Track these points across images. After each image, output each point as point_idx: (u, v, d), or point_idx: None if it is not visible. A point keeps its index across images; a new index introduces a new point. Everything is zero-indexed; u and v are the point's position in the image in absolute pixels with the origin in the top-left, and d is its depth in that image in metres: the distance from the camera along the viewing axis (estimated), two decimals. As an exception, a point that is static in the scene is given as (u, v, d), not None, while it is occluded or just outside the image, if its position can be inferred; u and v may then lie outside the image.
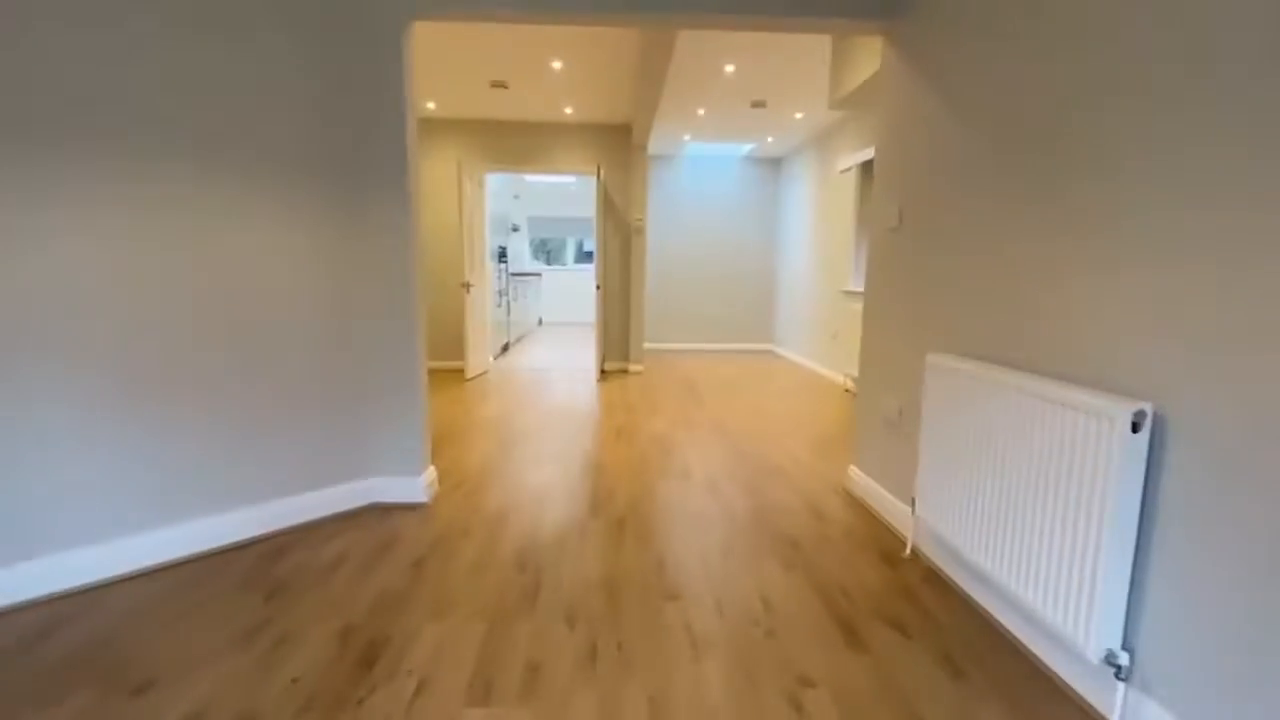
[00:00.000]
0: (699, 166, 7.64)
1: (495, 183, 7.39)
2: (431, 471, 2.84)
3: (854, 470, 2.91)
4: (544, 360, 6.92)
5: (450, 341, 6.17)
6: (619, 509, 2.68)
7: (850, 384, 5.38)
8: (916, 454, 2.34)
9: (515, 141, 5.98)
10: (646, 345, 7.90)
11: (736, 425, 4.15)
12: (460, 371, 5.96)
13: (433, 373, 5.94)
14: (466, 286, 5.55)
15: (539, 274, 11.46)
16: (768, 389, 5.44)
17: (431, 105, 5.42)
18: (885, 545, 2.37)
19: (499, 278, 7.27)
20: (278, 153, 2.30)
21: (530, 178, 9.50)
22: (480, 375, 5.91)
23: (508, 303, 7.75)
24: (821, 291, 6.19)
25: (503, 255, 7.40)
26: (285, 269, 2.36)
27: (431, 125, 5.90)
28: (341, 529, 2.47)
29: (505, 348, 7.74)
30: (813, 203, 6.49)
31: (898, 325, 2.51)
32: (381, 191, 2.56)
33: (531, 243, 12.05)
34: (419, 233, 2.79)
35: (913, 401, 2.39)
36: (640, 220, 5.96)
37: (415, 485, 2.71)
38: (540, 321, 11.52)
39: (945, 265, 2.16)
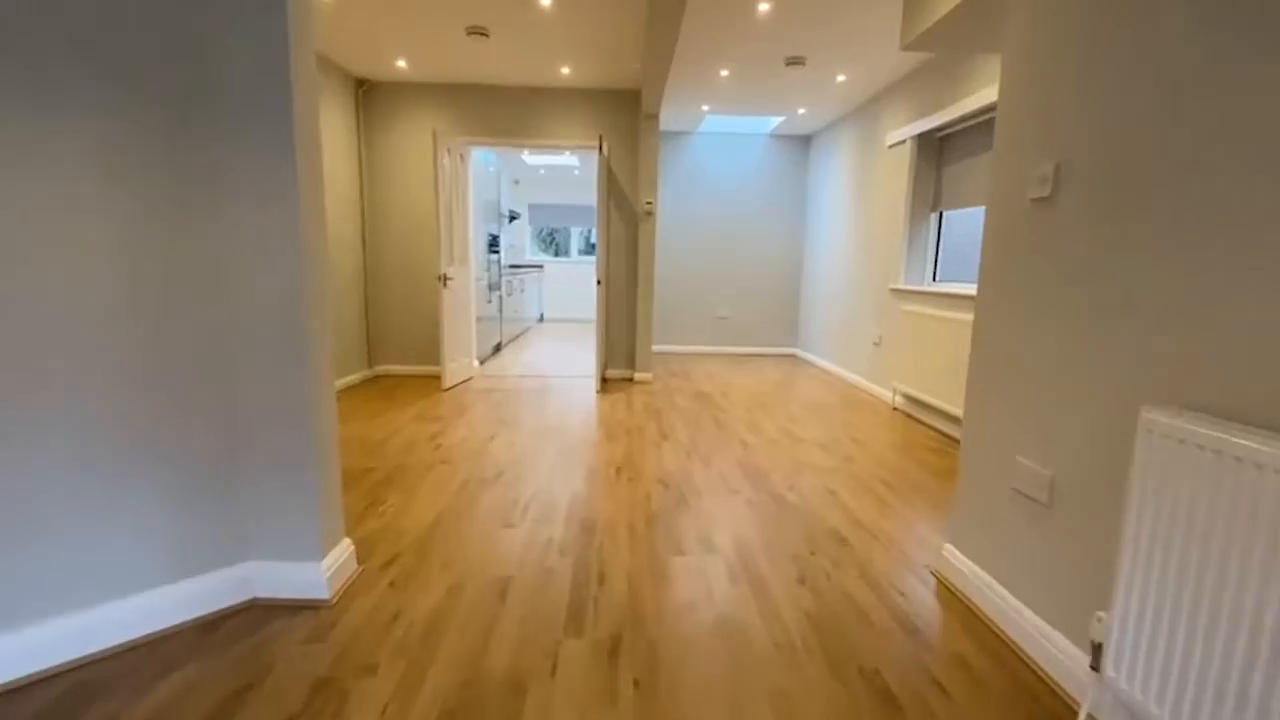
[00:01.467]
0: (717, 145, 6.72)
1: (490, 164, 6.51)
2: (343, 549, 1.97)
3: (951, 552, 2.02)
4: (540, 363, 6.06)
5: (427, 344, 5.32)
6: (613, 619, 1.81)
7: (901, 402, 4.47)
8: (1092, 561, 1.45)
9: (504, 109, 5.09)
10: (655, 348, 7.02)
11: (768, 459, 3.27)
12: (437, 379, 5.12)
13: (405, 380, 5.09)
14: (443, 280, 4.69)
15: (541, 266, 10.60)
16: (799, 406, 4.55)
17: (402, 64, 4.55)
18: (1037, 710, 1.49)
19: (490, 270, 6.41)
20: (50, 50, 1.42)
21: (530, 158, 8.62)
22: (462, 384, 5.06)
23: (500, 298, 6.89)
24: (862, 289, 5.27)
25: (494, 245, 6.53)
26: (76, 252, 1.49)
27: (403, 90, 5.03)
28: (190, 651, 1.62)
29: (497, 348, 6.89)
30: (852, 185, 5.57)
31: (1051, 349, 1.61)
32: (245, 138, 1.68)
33: (540, 233, 11.17)
34: (326, 209, 1.91)
35: (1080, 472, 1.50)
36: (650, 204, 5.07)
37: (311, 575, 1.85)
38: (542, 318, 10.67)
39: (1171, 258, 1.26)
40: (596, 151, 4.73)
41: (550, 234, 11.27)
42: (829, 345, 6.04)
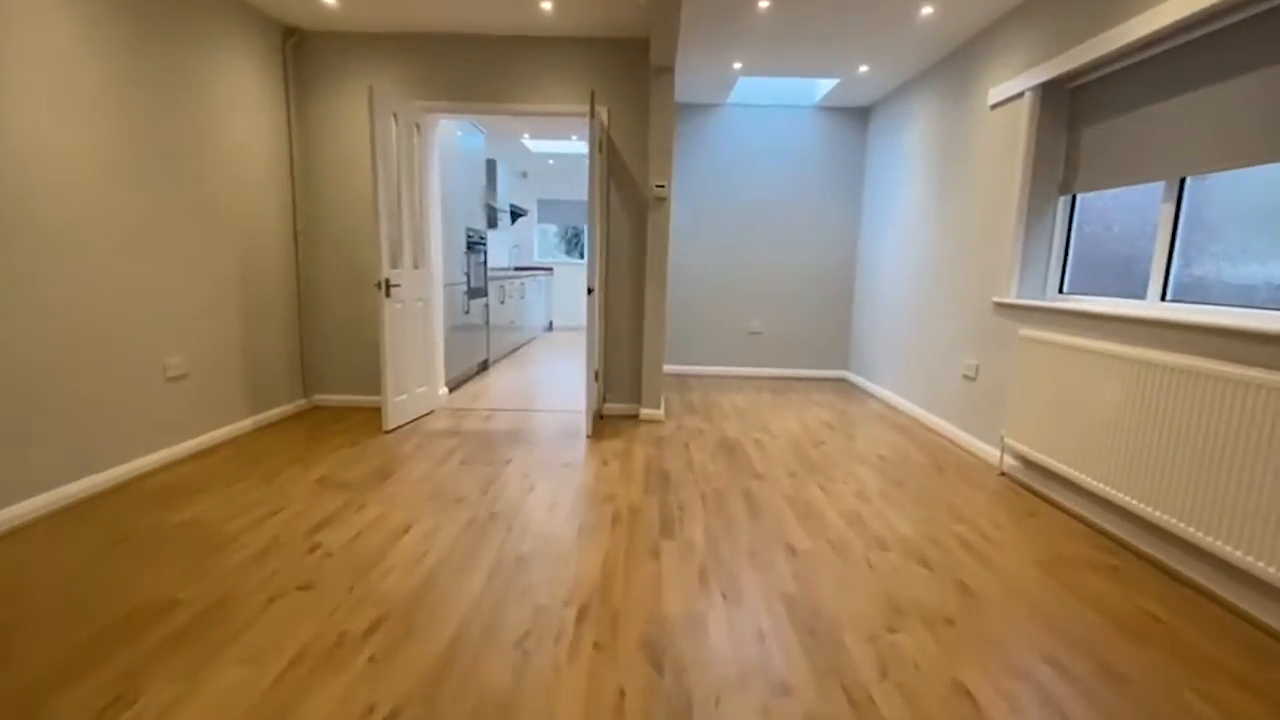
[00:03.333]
0: (751, 120, 5.43)
1: (475, 146, 5.35)
2: None
3: None
4: (528, 389, 4.87)
5: (377, 367, 4.16)
6: None
7: (1014, 465, 3.13)
8: None
9: (472, 65, 3.91)
10: (669, 368, 5.76)
11: (835, 589, 1.99)
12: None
13: (344, 414, 3.94)
14: (384, 286, 3.52)
15: (550, 269, 9.46)
16: (867, 467, 3.24)
17: (332, 2, 3.39)
18: None
19: (471, 274, 5.24)
20: None
21: (534, 145, 7.46)
22: (413, 422, 3.89)
23: (487, 307, 5.72)
24: (948, 302, 3.94)
25: (474, 244, 5.36)
26: None
27: (345, 42, 3.89)
28: None
29: (484, 366, 5.73)
30: (931, 164, 4.23)
31: None
32: None
33: (565, 233, 10.00)
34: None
35: None
36: (662, 188, 3.82)
37: None
38: (550, 326, 9.52)
39: None
40: (588, 116, 3.53)
41: (575, 234, 10.08)
42: (896, 372, 4.70)
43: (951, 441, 3.73)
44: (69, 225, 2.48)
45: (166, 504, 2.52)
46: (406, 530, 2.35)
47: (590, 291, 3.57)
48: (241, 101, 3.48)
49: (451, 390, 4.76)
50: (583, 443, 3.55)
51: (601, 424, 3.98)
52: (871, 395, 5.03)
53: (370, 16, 3.63)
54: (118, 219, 2.71)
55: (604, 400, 4.21)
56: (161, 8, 2.91)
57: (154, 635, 1.67)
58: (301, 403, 4.13)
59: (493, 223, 6.97)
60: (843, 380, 5.67)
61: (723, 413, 4.34)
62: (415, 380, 3.95)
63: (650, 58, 3.66)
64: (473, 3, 3.39)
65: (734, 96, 5.30)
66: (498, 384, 5.15)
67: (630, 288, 4.09)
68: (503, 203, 7.32)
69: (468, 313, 5.14)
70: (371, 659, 1.59)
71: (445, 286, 4.55)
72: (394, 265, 3.69)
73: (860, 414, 4.41)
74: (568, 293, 9.56)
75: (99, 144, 2.60)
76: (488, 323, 5.76)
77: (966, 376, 3.63)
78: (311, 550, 2.17)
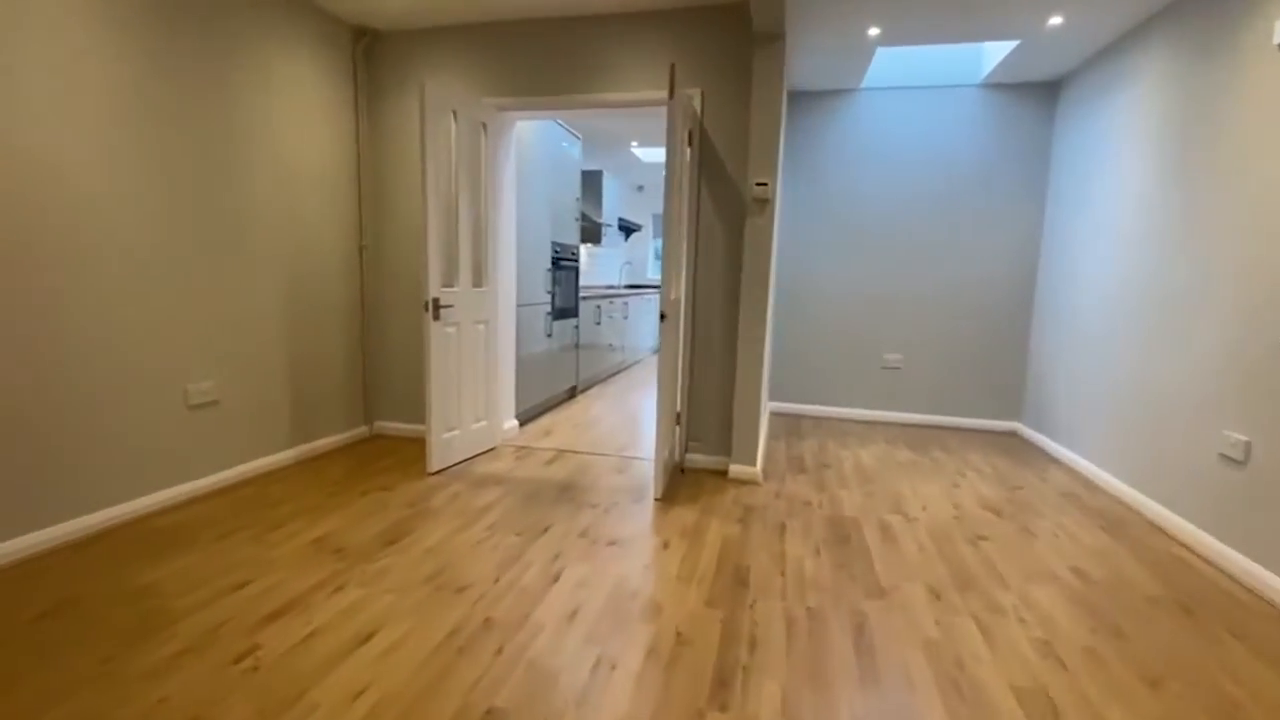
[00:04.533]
0: (890, 108, 4.40)
1: (569, 151, 4.88)
2: None
3: None
4: (610, 422, 4.22)
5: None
6: None
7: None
8: None
9: (543, 53, 3.37)
10: (777, 406, 4.82)
11: None
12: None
13: (400, 446, 3.53)
14: (431, 307, 3.06)
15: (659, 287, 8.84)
16: (1053, 585, 2.14)
17: (386, -15, 3.03)
18: None
19: (556, 293, 4.74)
20: None
21: (645, 154, 6.91)
22: (463, 464, 3.38)
23: (576, 329, 5.19)
24: (1193, 341, 2.68)
25: (562, 260, 4.86)
26: None
27: (416, 41, 3.53)
28: None
29: (571, 393, 5.20)
30: (1167, 144, 2.98)
31: None
32: None
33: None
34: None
35: None
36: (764, 187, 3.00)
37: None
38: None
39: None
40: (670, 96, 2.81)
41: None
42: (1097, 433, 3.41)
43: (1200, 556, 2.47)
44: (89, 243, 2.23)
45: (142, 557, 2.16)
46: (368, 638, 1.75)
47: (663, 317, 2.83)
48: (304, 111, 3.23)
49: (524, 423, 4.24)
50: (648, 508, 2.80)
51: (679, 482, 3.20)
52: (1055, 460, 3.74)
53: (436, 7, 3.23)
54: (142, 236, 2.46)
55: (686, 450, 3.43)
56: (220, 16, 2.67)
57: (-51, 801, 1.19)
58: (362, 430, 3.81)
59: (594, 238, 6.49)
60: (1012, 435, 4.37)
61: (841, 475, 3.36)
62: (472, 414, 3.45)
63: (754, 25, 2.87)
64: (538, -27, 2.85)
65: (870, 79, 4.31)
66: (579, 416, 4.56)
67: (723, 310, 3.29)
68: (609, 216, 6.83)
69: (550, 335, 4.62)
70: None
71: (521, 307, 4.05)
72: (447, 283, 3.22)
73: (1040, 490, 3.20)
74: (681, 313, 8.87)
75: (142, 157, 2.36)
76: (577, 346, 5.23)
77: (1229, 458, 2.37)
78: (241, 658, 1.64)
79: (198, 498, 2.74)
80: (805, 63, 3.89)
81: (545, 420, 4.42)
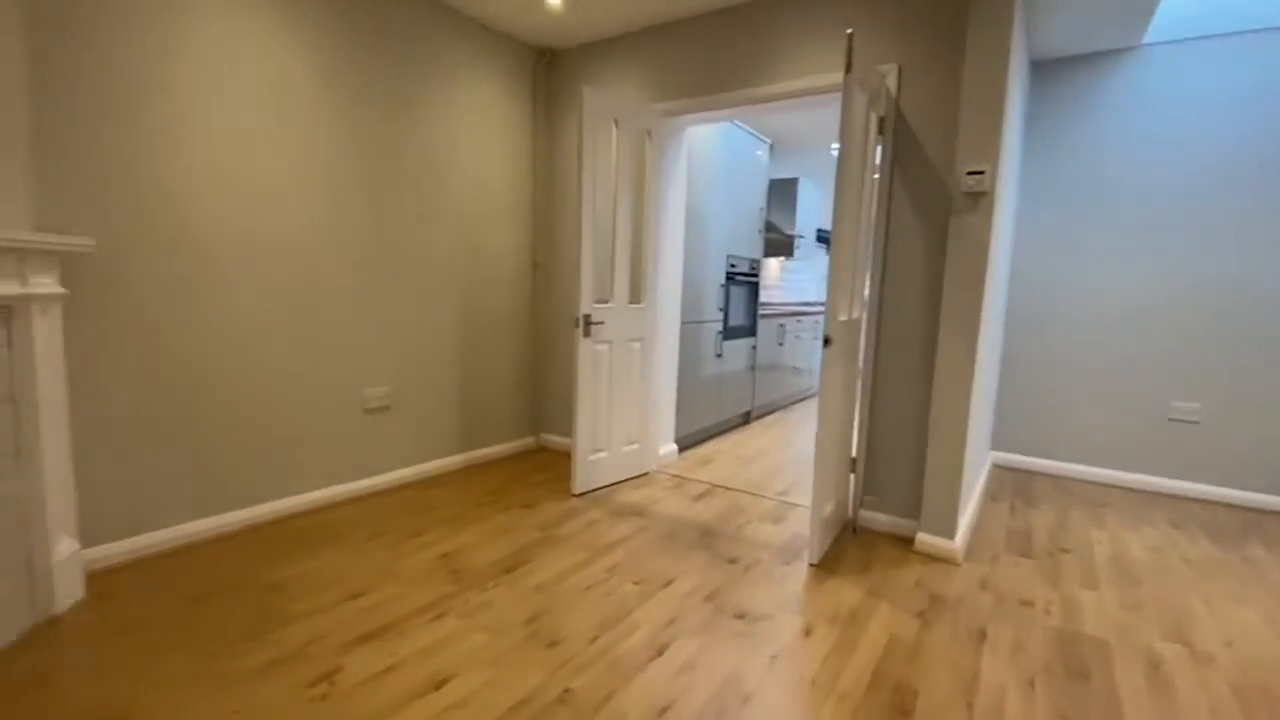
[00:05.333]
0: (1182, 66, 3.20)
1: (756, 154, 4.52)
2: None
3: None
4: (780, 456, 3.72)
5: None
6: None
7: None
8: None
9: (714, 49, 3.06)
10: (1002, 458, 3.80)
11: None
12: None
13: (563, 459, 3.48)
14: (582, 324, 2.94)
15: (868, 304, 7.88)
16: None
17: (556, 3, 2.99)
18: None
19: (732, 310, 4.38)
20: None
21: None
22: (619, 484, 3.19)
23: (753, 350, 4.76)
24: None
25: (739, 275, 4.47)
26: None
27: (592, 54, 3.49)
28: None
29: (745, 419, 4.79)
30: None
31: None
32: None
33: None
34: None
35: None
36: (980, 174, 2.29)
37: None
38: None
39: None
40: (846, 70, 2.29)
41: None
42: None
43: None
44: (272, 252, 2.52)
45: (290, 552, 2.32)
46: (440, 685, 1.59)
47: (827, 343, 2.30)
48: (486, 131, 3.37)
49: (685, 448, 3.94)
50: (798, 575, 2.29)
51: (847, 545, 2.61)
52: None
53: (610, 17, 3.13)
54: (334, 249, 2.72)
55: (856, 504, 2.81)
56: (412, 45, 2.90)
57: (38, 779, 1.26)
58: (528, 440, 3.87)
59: (784, 250, 5.97)
60: None
61: (1088, 568, 2.44)
62: (623, 436, 3.26)
63: (972, -32, 2.22)
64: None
65: (1154, 32, 3.21)
66: (746, 446, 4.12)
67: (919, 331, 2.62)
68: (804, 227, 6.25)
69: (720, 355, 4.27)
70: None
71: (687, 324, 3.78)
72: (600, 299, 3.08)
73: None
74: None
75: (337, 178, 2.64)
76: (753, 368, 4.79)
77: None
78: (318, 681, 1.59)
79: (363, 495, 2.95)
80: (1056, 22, 3.01)
81: (708, 447, 4.06)
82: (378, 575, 2.17)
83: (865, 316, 2.74)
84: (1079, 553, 2.57)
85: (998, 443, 3.84)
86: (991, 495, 3.27)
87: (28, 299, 1.69)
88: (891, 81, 2.59)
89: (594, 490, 3.15)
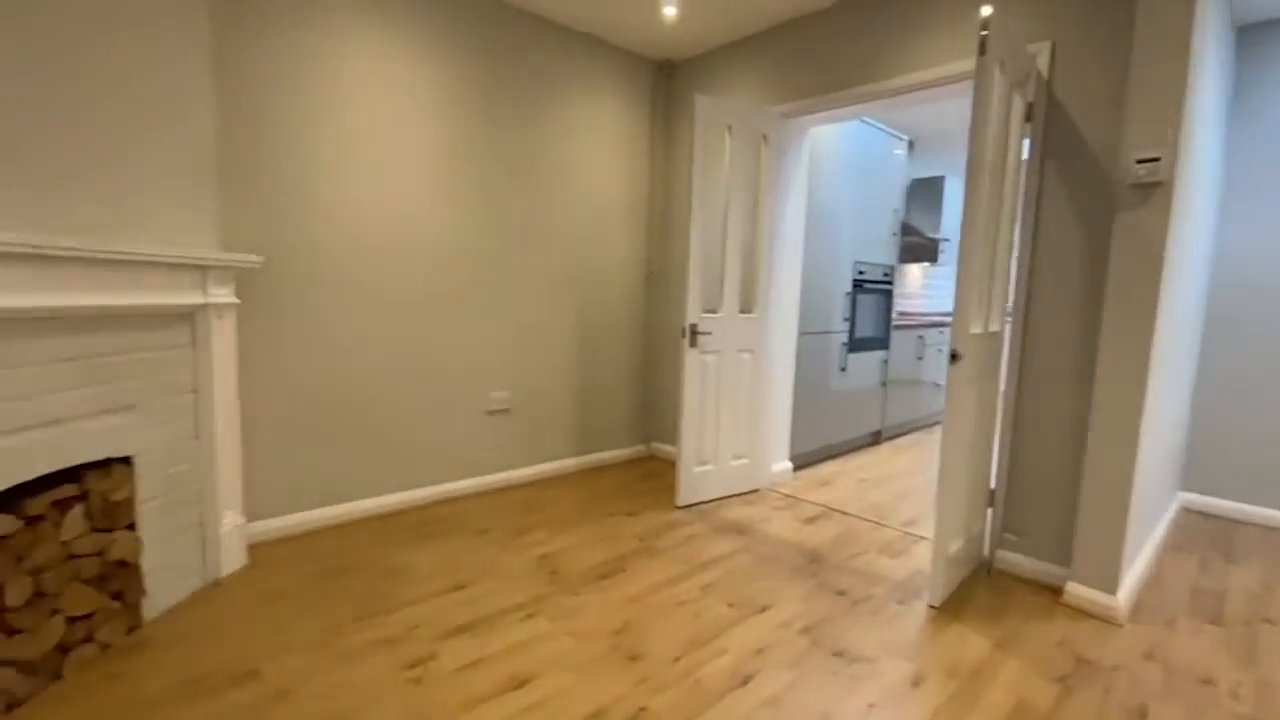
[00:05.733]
0: None
1: (894, 153, 4.22)
2: None
3: None
4: (908, 482, 3.39)
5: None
6: None
7: None
8: None
9: (834, 43, 2.89)
10: (1195, 500, 3.14)
11: None
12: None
13: (671, 468, 3.46)
14: (689, 334, 2.90)
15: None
16: None
17: (670, 10, 3.00)
18: None
19: (859, 321, 4.10)
20: None
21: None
22: (725, 499, 3.11)
23: (885, 364, 4.41)
24: None
25: (868, 283, 4.17)
26: None
27: (699, 66, 3.45)
28: None
29: (875, 438, 4.46)
30: None
31: None
32: None
33: None
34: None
35: None
36: (1154, 161, 1.92)
37: None
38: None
39: None
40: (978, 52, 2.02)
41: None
42: None
43: None
44: (406, 266, 2.78)
45: (404, 542, 2.51)
46: (521, 685, 1.63)
47: (954, 358, 2.05)
48: (605, 146, 3.47)
49: (801, 467, 3.74)
50: (915, 617, 2.06)
51: (978, 587, 2.29)
52: None
53: (727, 24, 3.08)
54: (458, 268, 2.94)
55: (997, 544, 2.46)
56: (538, 67, 3.07)
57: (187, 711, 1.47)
58: (640, 448, 3.90)
59: (927, 256, 5.48)
60: None
61: (1307, 645, 1.94)
62: (730, 450, 3.16)
63: (1148, -81, 1.88)
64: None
65: None
66: (873, 468, 3.81)
67: (1075, 347, 2.25)
68: (950, 230, 5.70)
69: (844, 369, 4.00)
70: None
71: (806, 335, 3.59)
72: (709, 309, 3.02)
73: None
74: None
75: (469, 199, 2.87)
76: (885, 383, 4.43)
77: None
78: (414, 665, 1.70)
79: (480, 492, 3.13)
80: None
81: (829, 467, 3.82)
82: (481, 570, 2.29)
83: (1010, 329, 2.42)
84: (1297, 628, 2.04)
85: (1190, 481, 3.20)
86: (1175, 546, 2.72)
87: (207, 307, 2.01)
88: (1043, 62, 2.26)
89: (699, 503, 3.08)
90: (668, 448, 3.84)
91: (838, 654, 1.82)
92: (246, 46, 2.26)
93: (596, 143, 3.43)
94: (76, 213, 1.64)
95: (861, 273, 4.10)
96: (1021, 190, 2.35)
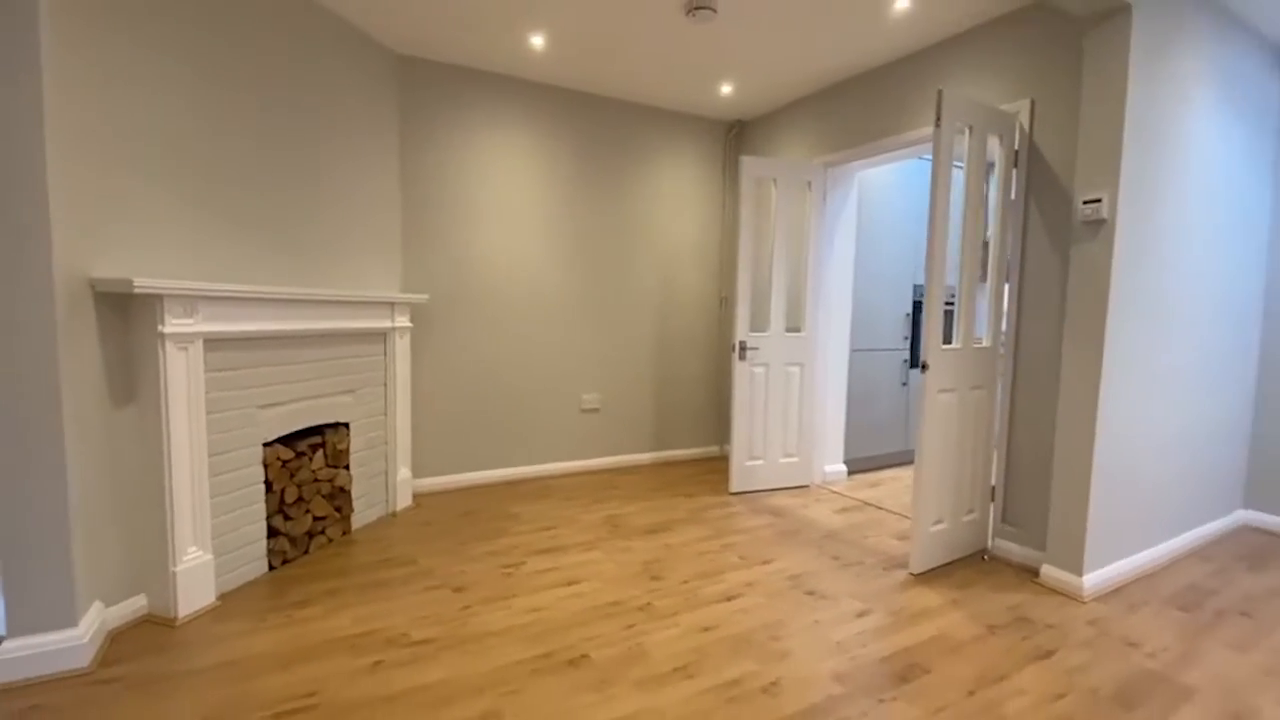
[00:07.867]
0: None
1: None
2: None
3: None
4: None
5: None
6: None
7: None
8: None
9: (868, 101, 3.40)
10: (1244, 517, 3.10)
11: None
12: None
13: (704, 466, 4.09)
14: (738, 349, 3.55)
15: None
16: None
17: (727, 90, 3.71)
18: None
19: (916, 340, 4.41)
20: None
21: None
22: (775, 490, 3.67)
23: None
24: None
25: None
26: None
27: (764, 125, 4.09)
28: None
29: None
30: None
31: None
32: None
33: None
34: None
35: None
36: (1095, 205, 2.27)
37: None
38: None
39: None
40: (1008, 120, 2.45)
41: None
42: None
43: None
44: (537, 303, 3.75)
45: (525, 498, 3.43)
46: (570, 584, 2.40)
47: (924, 368, 2.51)
48: (684, 195, 4.24)
49: (856, 471, 4.15)
50: (892, 579, 2.52)
51: (968, 568, 2.67)
52: None
53: (787, 84, 3.73)
54: (557, 295, 3.86)
55: (997, 533, 2.79)
56: (627, 137, 3.95)
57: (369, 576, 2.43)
58: (711, 449, 4.55)
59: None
60: None
61: (1264, 631, 2.11)
62: (779, 448, 3.73)
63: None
64: (846, 34, 3.01)
65: None
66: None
67: (1058, 357, 2.58)
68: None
69: (905, 384, 4.35)
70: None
71: (859, 352, 4.04)
72: (758, 328, 3.64)
73: None
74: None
75: (567, 244, 3.81)
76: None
77: None
78: (509, 567, 2.55)
79: (571, 474, 3.98)
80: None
81: (885, 474, 4.18)
82: (564, 520, 3.11)
83: (1005, 344, 2.78)
84: (1263, 618, 2.20)
85: (1253, 500, 3.17)
86: (1205, 556, 2.82)
87: (394, 330, 3.07)
88: (1024, 117, 2.66)
89: (749, 491, 3.67)
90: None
91: (810, 592, 2.37)
92: (419, 151, 3.36)
93: (675, 193, 4.21)
94: (320, 271, 2.75)
95: (920, 296, 4.42)
96: (1011, 224, 2.73)
